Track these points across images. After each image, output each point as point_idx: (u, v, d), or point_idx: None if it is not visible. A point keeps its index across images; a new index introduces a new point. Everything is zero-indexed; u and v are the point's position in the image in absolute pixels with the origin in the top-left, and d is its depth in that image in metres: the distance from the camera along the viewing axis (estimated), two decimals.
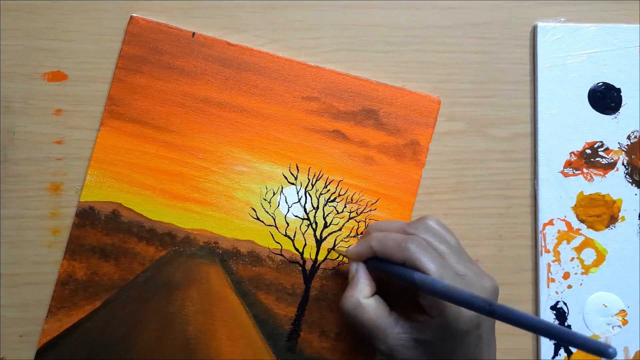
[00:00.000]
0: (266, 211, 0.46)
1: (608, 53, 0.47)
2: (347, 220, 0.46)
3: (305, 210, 0.46)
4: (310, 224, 0.46)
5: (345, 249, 0.43)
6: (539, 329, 0.31)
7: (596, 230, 0.47)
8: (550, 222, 0.47)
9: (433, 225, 0.39)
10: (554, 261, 0.47)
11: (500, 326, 0.46)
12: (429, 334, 0.38)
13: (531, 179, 0.47)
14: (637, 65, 0.47)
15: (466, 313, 0.36)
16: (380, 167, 0.46)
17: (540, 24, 0.47)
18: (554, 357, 0.46)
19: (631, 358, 0.46)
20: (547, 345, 0.46)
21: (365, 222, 0.46)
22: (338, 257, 0.46)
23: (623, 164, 0.47)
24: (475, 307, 0.33)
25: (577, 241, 0.47)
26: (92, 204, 0.45)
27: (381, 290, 0.41)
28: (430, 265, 0.36)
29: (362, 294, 0.39)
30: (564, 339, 0.30)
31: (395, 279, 0.38)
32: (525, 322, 0.31)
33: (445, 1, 0.48)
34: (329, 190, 0.46)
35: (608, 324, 0.46)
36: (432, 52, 0.48)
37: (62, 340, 0.45)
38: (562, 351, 0.46)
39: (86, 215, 0.45)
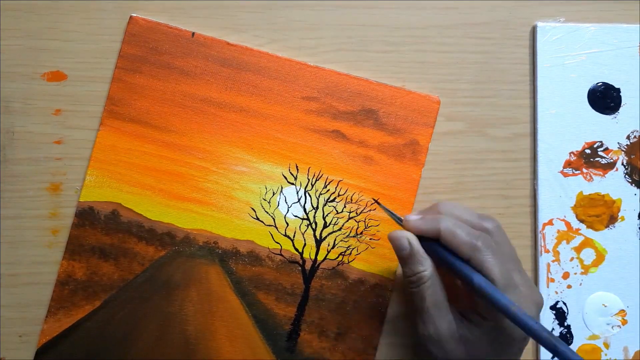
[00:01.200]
0: (266, 211, 0.46)
1: (608, 53, 0.47)
2: (347, 220, 0.46)
3: (304, 210, 0.46)
4: (310, 223, 0.46)
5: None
6: None
7: (596, 230, 0.47)
8: (550, 222, 0.47)
9: (496, 228, 0.39)
10: (553, 261, 0.47)
11: None
12: (477, 333, 0.37)
13: (531, 179, 0.47)
14: (636, 65, 0.47)
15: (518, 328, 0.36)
16: (379, 167, 0.46)
17: (540, 24, 0.47)
18: (553, 357, 0.46)
19: (631, 358, 0.46)
20: None
21: (365, 222, 0.46)
22: (338, 258, 0.46)
23: (622, 164, 0.47)
24: (532, 331, 0.34)
25: (577, 241, 0.47)
26: (92, 204, 0.45)
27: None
28: (496, 272, 0.36)
29: (429, 270, 0.38)
30: None
31: (452, 272, 0.37)
32: (566, 357, 0.33)
33: (445, 1, 0.48)
34: (328, 190, 0.46)
35: (608, 324, 0.46)
36: (432, 52, 0.48)
37: (61, 341, 0.45)
38: None
39: (86, 215, 0.45)
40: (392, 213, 0.41)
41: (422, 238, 0.39)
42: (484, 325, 0.37)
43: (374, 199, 0.45)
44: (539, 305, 0.37)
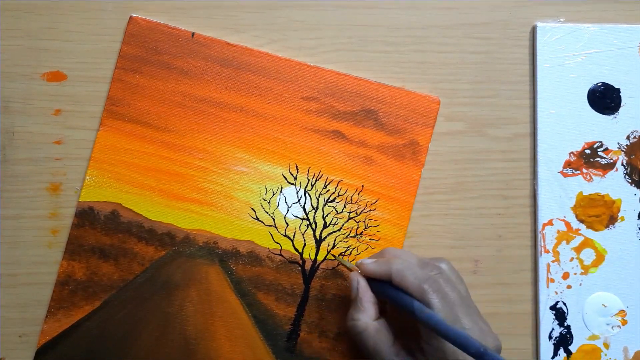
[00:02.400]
0: (266, 211, 0.46)
1: (607, 53, 0.47)
2: (347, 221, 0.46)
3: (304, 210, 0.46)
4: (310, 224, 0.46)
5: (354, 260, 0.43)
6: None
7: (595, 230, 0.47)
8: (550, 222, 0.47)
9: (447, 270, 0.40)
10: (553, 261, 0.47)
11: (499, 325, 0.47)
12: None
13: (531, 179, 0.47)
14: (636, 65, 0.47)
15: (463, 357, 0.36)
16: (379, 167, 0.46)
17: (539, 24, 0.47)
18: (553, 357, 0.46)
19: (630, 358, 0.46)
20: (546, 346, 0.46)
21: (365, 222, 0.46)
22: (338, 257, 0.46)
23: (622, 164, 0.47)
24: (468, 346, 0.34)
25: (577, 241, 0.47)
26: (92, 204, 0.45)
27: (385, 314, 0.41)
28: (441, 312, 0.36)
29: (369, 317, 0.40)
30: None
31: (399, 307, 0.38)
32: None
33: (445, 1, 0.48)
34: (328, 190, 0.46)
35: (607, 324, 0.46)
36: (432, 52, 0.47)
37: (61, 341, 0.45)
38: (561, 351, 0.46)
39: (86, 216, 0.45)
40: (345, 262, 0.44)
41: (375, 280, 0.41)
42: None
43: (333, 255, 0.46)
44: (492, 349, 0.37)
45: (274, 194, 0.46)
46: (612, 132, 0.47)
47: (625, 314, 0.46)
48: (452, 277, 0.40)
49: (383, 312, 0.41)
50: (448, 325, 0.35)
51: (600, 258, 0.47)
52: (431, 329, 0.36)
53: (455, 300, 0.38)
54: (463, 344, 0.34)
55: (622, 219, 0.47)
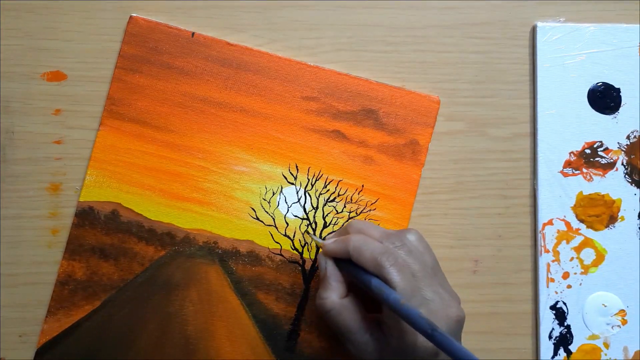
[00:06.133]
0: (266, 211, 0.46)
1: (607, 53, 0.47)
2: (347, 220, 0.46)
3: (304, 210, 0.46)
4: (310, 223, 0.46)
5: (321, 239, 0.43)
6: None
7: (596, 230, 0.47)
8: (550, 222, 0.47)
9: (412, 241, 0.39)
10: (553, 261, 0.47)
11: (500, 325, 0.47)
12: (389, 352, 0.38)
13: (531, 179, 0.47)
14: (636, 65, 0.47)
15: (423, 342, 0.35)
16: (379, 167, 0.46)
17: (539, 24, 0.47)
18: (553, 357, 0.46)
19: (630, 358, 0.46)
20: (546, 345, 0.46)
21: None
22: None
23: (622, 164, 0.47)
24: (418, 326, 0.34)
25: (577, 241, 0.47)
26: (92, 204, 0.45)
27: (356, 290, 0.41)
28: (399, 288, 0.36)
29: (337, 294, 0.39)
30: None
31: (361, 284, 0.38)
32: (458, 356, 0.32)
33: (445, 1, 0.48)
34: (328, 190, 0.46)
35: (607, 324, 0.46)
36: (432, 52, 0.48)
37: (61, 341, 0.45)
38: (561, 351, 0.46)
39: (86, 215, 0.45)
40: (317, 239, 0.43)
41: (341, 259, 0.40)
42: (391, 343, 0.37)
43: (305, 230, 0.46)
44: (454, 319, 0.37)
45: (274, 194, 0.46)
46: (612, 131, 0.47)
47: (625, 313, 0.46)
48: (417, 247, 0.39)
49: (354, 288, 0.41)
50: (400, 303, 0.35)
51: (600, 258, 0.47)
52: (387, 306, 0.36)
53: (417, 272, 0.37)
54: (413, 323, 0.34)
55: (622, 218, 0.47)
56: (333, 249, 0.40)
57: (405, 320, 0.35)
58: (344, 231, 0.42)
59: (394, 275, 0.36)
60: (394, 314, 0.36)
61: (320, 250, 0.42)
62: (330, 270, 0.40)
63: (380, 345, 0.38)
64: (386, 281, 0.36)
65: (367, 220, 0.46)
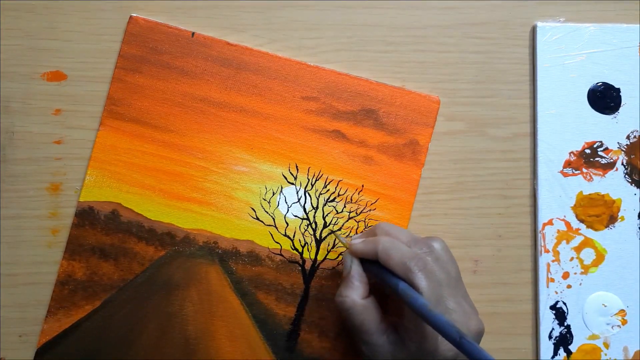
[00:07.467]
0: (266, 211, 0.46)
1: (607, 53, 0.47)
2: (347, 220, 0.46)
3: (304, 210, 0.46)
4: (310, 223, 0.46)
5: (348, 239, 0.43)
6: None
7: (596, 230, 0.47)
8: (550, 222, 0.47)
9: (439, 249, 0.39)
10: (553, 261, 0.47)
11: (500, 325, 0.47)
12: (406, 354, 0.38)
13: (531, 179, 0.47)
14: (636, 65, 0.47)
15: (444, 345, 0.36)
16: (379, 167, 0.46)
17: (539, 24, 0.47)
18: (553, 357, 0.46)
19: (630, 358, 0.46)
20: (546, 345, 0.46)
21: (365, 222, 0.46)
22: (338, 258, 0.46)
23: (622, 164, 0.47)
24: (445, 332, 0.34)
25: (577, 241, 0.47)
26: (92, 204, 0.45)
27: (377, 292, 0.41)
28: (425, 291, 0.36)
29: (358, 295, 0.39)
30: None
31: (386, 287, 0.38)
32: None
33: (445, 1, 0.48)
34: (328, 190, 0.46)
35: (607, 324, 0.46)
36: (432, 52, 0.48)
37: (61, 340, 0.45)
38: (561, 351, 0.46)
39: (86, 215, 0.45)
40: (342, 239, 0.43)
41: (366, 260, 0.40)
42: (411, 347, 0.37)
43: (331, 230, 0.46)
44: (474, 332, 0.37)
45: (274, 194, 0.46)
46: (612, 131, 0.47)
47: (625, 313, 0.46)
48: (443, 256, 0.39)
49: (375, 289, 0.41)
50: (429, 309, 0.35)
51: (600, 258, 0.47)
52: (413, 311, 0.36)
53: (442, 280, 0.37)
54: (440, 330, 0.34)
55: (622, 218, 0.47)
56: (361, 249, 0.40)
57: (432, 325, 0.35)
58: (371, 232, 0.42)
59: (422, 280, 0.37)
60: (417, 319, 0.36)
61: (346, 249, 0.42)
62: (355, 270, 0.40)
63: (395, 349, 0.38)
64: (413, 286, 0.37)
65: (367, 220, 0.46)
